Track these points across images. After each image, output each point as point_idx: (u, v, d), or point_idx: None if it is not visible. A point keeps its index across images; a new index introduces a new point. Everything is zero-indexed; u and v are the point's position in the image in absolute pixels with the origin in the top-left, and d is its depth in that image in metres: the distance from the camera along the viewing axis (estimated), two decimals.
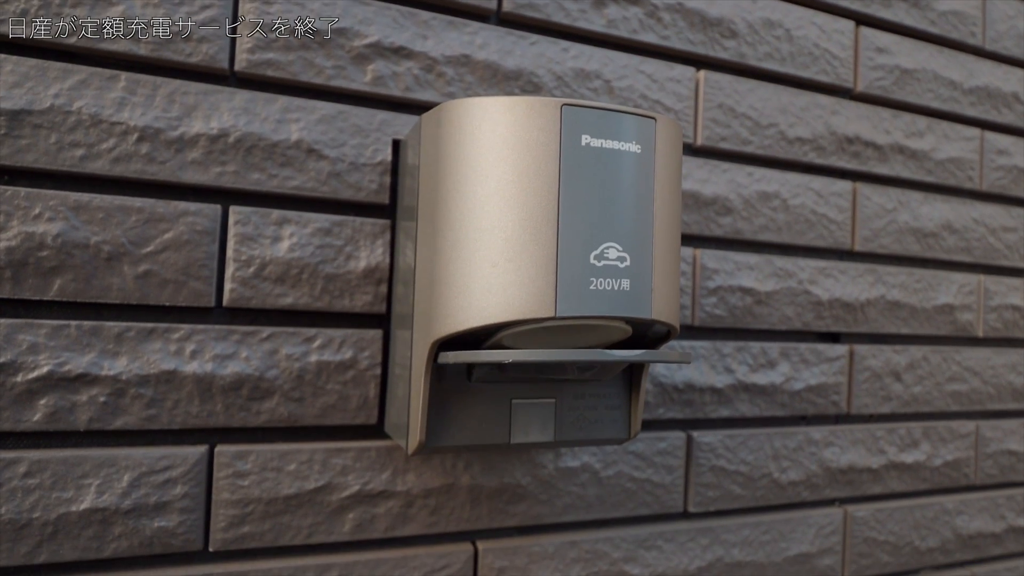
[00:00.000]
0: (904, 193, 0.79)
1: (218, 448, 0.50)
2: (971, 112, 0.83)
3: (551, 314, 0.37)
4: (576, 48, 0.62)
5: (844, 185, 0.75)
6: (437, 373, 0.47)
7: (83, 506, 0.47)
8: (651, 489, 0.65)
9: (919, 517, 0.79)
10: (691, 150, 0.68)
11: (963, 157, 0.83)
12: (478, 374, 0.47)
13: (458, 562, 0.57)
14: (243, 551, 0.51)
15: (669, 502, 0.66)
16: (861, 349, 0.76)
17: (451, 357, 0.41)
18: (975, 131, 0.84)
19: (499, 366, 0.47)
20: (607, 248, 0.38)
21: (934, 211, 0.81)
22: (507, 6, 0.59)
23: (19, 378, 0.46)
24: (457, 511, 0.57)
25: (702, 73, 0.68)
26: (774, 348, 0.71)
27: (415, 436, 0.45)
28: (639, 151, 0.40)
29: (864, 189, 0.76)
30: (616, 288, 0.38)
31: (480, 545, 0.58)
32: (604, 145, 0.39)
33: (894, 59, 0.78)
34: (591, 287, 0.38)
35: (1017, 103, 0.87)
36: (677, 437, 0.66)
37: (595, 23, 0.63)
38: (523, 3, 0.60)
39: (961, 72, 0.83)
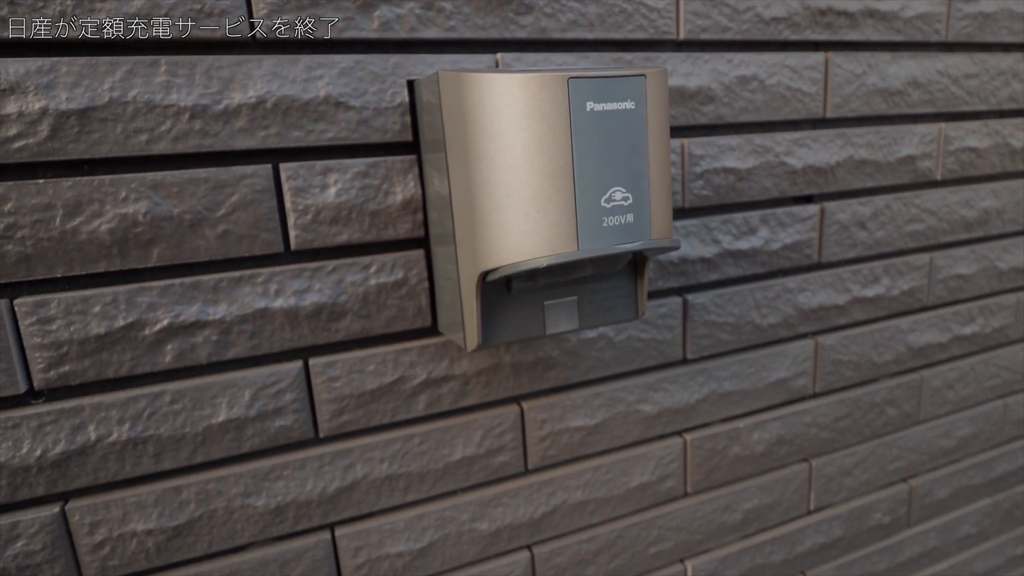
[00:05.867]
0: (873, 56, 0.79)
1: (311, 361, 0.59)
2: None
3: (575, 248, 0.43)
4: None
5: (817, 57, 0.75)
6: (483, 289, 0.53)
7: (220, 418, 0.56)
8: (656, 346, 0.74)
9: (878, 338, 0.88)
10: (674, 45, 0.68)
11: (931, 11, 0.82)
12: (516, 285, 0.53)
13: (509, 419, 0.67)
14: (346, 433, 0.61)
15: (671, 353, 0.75)
16: (831, 206, 0.81)
17: (498, 272, 0.47)
18: None
19: (532, 275, 0.53)
20: (614, 191, 0.42)
21: (901, 70, 0.81)
22: None
23: (147, 332, 0.53)
24: (504, 382, 0.67)
25: None
26: (755, 216, 0.76)
27: (472, 340, 0.53)
28: (633, 107, 0.43)
29: (836, 58, 0.77)
30: (623, 222, 0.43)
31: (524, 405, 0.68)
32: (605, 108, 0.42)
33: None
34: (604, 224, 0.43)
35: None
36: (675, 302, 0.74)
37: None
38: None
39: None
